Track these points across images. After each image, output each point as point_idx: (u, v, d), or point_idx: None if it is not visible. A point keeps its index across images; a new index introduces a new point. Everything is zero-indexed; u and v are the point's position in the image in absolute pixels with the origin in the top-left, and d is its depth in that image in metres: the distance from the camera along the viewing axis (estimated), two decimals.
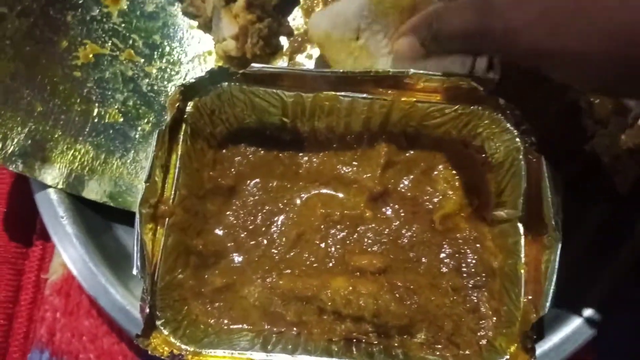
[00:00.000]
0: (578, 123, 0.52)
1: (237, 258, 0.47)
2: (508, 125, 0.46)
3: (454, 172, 0.49)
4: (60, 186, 0.47)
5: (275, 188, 0.50)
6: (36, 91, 0.48)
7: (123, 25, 0.52)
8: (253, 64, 0.45)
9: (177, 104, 0.44)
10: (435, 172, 0.49)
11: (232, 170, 0.49)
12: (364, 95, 0.46)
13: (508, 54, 0.40)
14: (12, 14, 0.47)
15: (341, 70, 0.45)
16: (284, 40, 0.56)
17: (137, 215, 0.41)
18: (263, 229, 0.48)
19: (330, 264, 0.47)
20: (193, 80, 0.45)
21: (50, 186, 0.48)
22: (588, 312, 0.49)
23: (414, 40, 0.45)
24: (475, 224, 0.48)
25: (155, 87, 0.52)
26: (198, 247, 0.46)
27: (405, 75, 0.45)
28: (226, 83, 0.46)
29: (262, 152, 0.50)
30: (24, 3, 0.48)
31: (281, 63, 0.55)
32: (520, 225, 0.44)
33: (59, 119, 0.48)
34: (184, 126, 0.45)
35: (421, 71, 0.45)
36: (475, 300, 0.46)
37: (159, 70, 0.53)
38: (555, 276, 0.41)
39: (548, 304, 0.41)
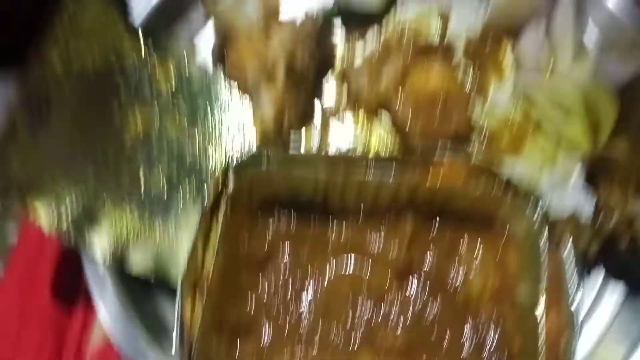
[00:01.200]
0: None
1: (268, 330, 0.50)
2: (529, 210, 0.48)
3: (478, 250, 0.51)
4: (107, 260, 0.50)
5: (305, 260, 0.52)
6: (90, 160, 0.52)
7: (171, 91, 0.56)
8: (291, 152, 0.48)
9: (219, 185, 0.47)
10: (460, 250, 0.51)
11: (266, 241, 0.52)
12: (392, 175, 0.49)
13: None
14: (72, 89, 0.51)
15: (370, 155, 0.48)
16: (317, 113, 0.59)
17: (179, 293, 0.44)
18: (293, 301, 0.51)
19: (356, 341, 0.49)
20: (235, 165, 0.48)
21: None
22: None
23: None
24: (497, 304, 0.49)
25: (197, 155, 0.55)
26: (232, 319, 0.49)
27: (430, 158, 0.48)
28: (265, 165, 0.49)
29: (294, 223, 0.53)
30: (83, 80, 0.52)
31: (315, 134, 0.58)
32: (540, 308, 0.46)
33: (109, 188, 0.52)
34: (224, 202, 0.48)
35: (445, 157, 0.48)
36: None
37: (202, 137, 0.56)
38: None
39: None
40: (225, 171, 0.48)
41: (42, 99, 0.50)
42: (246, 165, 0.49)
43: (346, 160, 0.49)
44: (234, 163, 0.48)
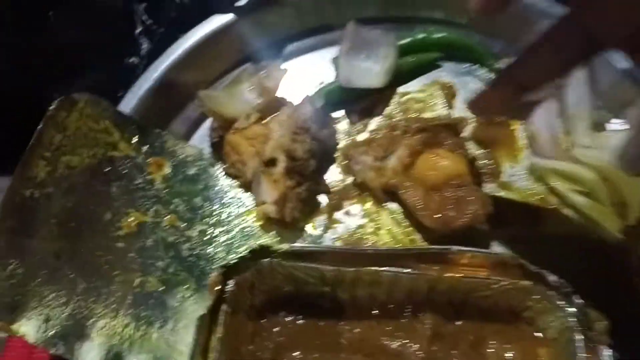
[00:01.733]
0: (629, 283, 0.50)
1: None
2: (559, 302, 0.44)
3: (504, 345, 0.47)
4: None
5: None
6: (79, 268, 0.48)
7: (165, 190, 0.53)
8: (294, 245, 0.45)
9: (219, 286, 0.44)
10: (485, 346, 0.47)
11: (271, 342, 0.48)
12: (407, 270, 0.45)
13: None
14: (58, 192, 0.48)
15: (383, 248, 0.45)
16: (322, 198, 0.56)
17: None
18: None
19: None
20: (234, 262, 0.45)
21: None
22: None
23: None
24: None
25: (196, 252, 0.52)
26: None
27: (448, 251, 0.45)
28: (266, 260, 0.46)
29: (301, 321, 0.49)
30: (70, 180, 0.49)
31: (320, 220, 0.55)
32: None
33: (100, 294, 0.48)
34: (224, 305, 0.45)
35: (465, 248, 0.44)
36: None
37: (200, 234, 0.53)
38: None
39: None
40: (224, 270, 0.44)
41: (26, 213, 0.47)
42: (246, 262, 0.45)
43: (355, 254, 0.45)
44: (233, 261, 0.45)
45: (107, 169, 0.51)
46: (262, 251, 0.45)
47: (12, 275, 0.45)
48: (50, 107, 0.50)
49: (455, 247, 0.44)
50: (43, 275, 0.46)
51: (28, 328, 0.45)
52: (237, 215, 0.55)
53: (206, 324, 0.43)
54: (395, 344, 0.48)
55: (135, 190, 0.52)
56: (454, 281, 0.45)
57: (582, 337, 0.42)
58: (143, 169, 0.53)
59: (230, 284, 0.45)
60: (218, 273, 0.44)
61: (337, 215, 0.56)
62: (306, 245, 0.47)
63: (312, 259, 0.46)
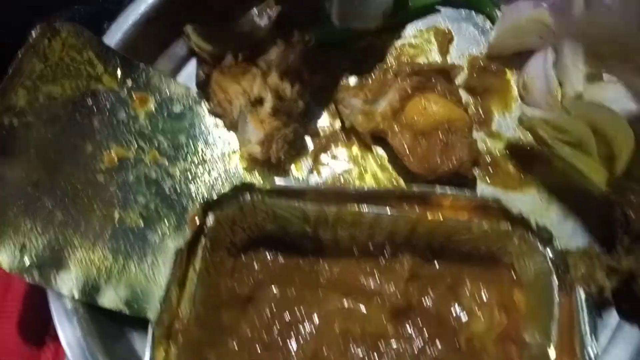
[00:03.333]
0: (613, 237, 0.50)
1: None
2: (539, 246, 0.44)
3: (481, 288, 0.47)
4: (76, 296, 0.46)
5: (294, 298, 0.48)
6: (58, 199, 0.48)
7: (149, 127, 0.52)
8: (276, 181, 0.44)
9: (198, 221, 0.43)
10: (462, 288, 0.47)
11: (251, 278, 0.48)
12: (388, 211, 0.45)
13: None
14: (39, 122, 0.47)
15: (365, 188, 0.44)
16: (308, 140, 0.55)
17: (150, 336, 0.40)
18: (280, 342, 0.46)
19: None
20: (215, 197, 0.44)
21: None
22: None
23: None
24: (503, 345, 0.45)
25: (178, 189, 0.52)
26: None
27: (431, 193, 0.44)
28: (248, 197, 0.45)
29: (282, 259, 0.49)
30: (52, 111, 0.48)
31: (305, 163, 0.55)
32: (551, 351, 0.41)
33: (79, 226, 0.48)
34: (203, 240, 0.45)
35: (448, 191, 0.44)
36: None
37: (183, 171, 0.52)
38: None
39: None
40: (204, 205, 0.44)
41: (4, 132, 0.46)
42: (228, 199, 0.45)
43: (338, 193, 0.45)
44: (215, 197, 0.44)
45: (89, 102, 0.50)
46: (245, 188, 0.45)
47: None
48: (31, 35, 0.48)
49: (438, 189, 0.44)
50: (20, 205, 0.46)
51: (3, 256, 0.44)
52: (222, 155, 0.54)
53: (183, 257, 0.43)
54: (373, 284, 0.48)
55: (118, 125, 0.51)
56: (435, 223, 0.45)
57: (557, 281, 0.43)
58: (127, 103, 0.52)
59: (210, 219, 0.45)
60: (198, 207, 0.44)
61: (323, 158, 0.55)
62: (289, 184, 0.46)
63: (295, 198, 0.45)
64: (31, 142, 0.47)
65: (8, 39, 0.49)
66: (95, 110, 0.51)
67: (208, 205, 0.44)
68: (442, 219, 0.44)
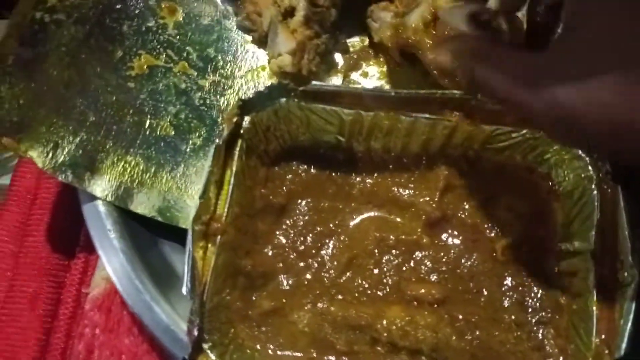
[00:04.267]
0: None
1: (287, 281, 0.45)
2: (580, 152, 0.43)
3: (517, 199, 0.46)
4: (109, 198, 0.46)
5: (327, 208, 0.48)
6: (89, 100, 0.47)
7: (178, 37, 0.51)
8: (314, 82, 0.43)
9: (235, 119, 0.43)
10: (498, 199, 0.47)
11: (284, 188, 0.47)
12: (427, 115, 0.44)
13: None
14: (69, 21, 0.46)
15: (405, 91, 0.44)
16: (338, 57, 0.54)
17: (190, 232, 0.39)
18: (313, 251, 0.46)
19: (385, 292, 0.44)
20: (251, 96, 0.43)
21: (98, 198, 0.46)
22: None
23: (449, 63, 0.42)
24: (540, 255, 0.45)
25: (208, 101, 0.51)
26: (247, 267, 0.44)
27: (472, 98, 0.44)
28: (284, 99, 0.44)
29: (314, 170, 0.48)
30: (81, 11, 0.47)
31: (335, 80, 0.54)
32: (591, 260, 0.41)
33: (110, 130, 0.47)
34: (239, 142, 0.44)
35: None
36: (541, 337, 0.43)
37: (212, 84, 0.51)
38: (632, 315, 0.38)
39: (624, 345, 0.38)
40: (240, 104, 0.43)
41: (36, 26, 0.45)
42: (264, 99, 0.44)
43: (376, 97, 0.44)
44: (251, 94, 0.44)
45: (118, 6, 0.49)
46: (280, 88, 0.44)
47: (20, 95, 0.43)
48: None
49: (479, 95, 0.43)
50: (52, 103, 0.45)
51: (36, 152, 0.44)
52: (251, 69, 0.53)
53: (221, 155, 0.42)
54: (407, 195, 0.47)
55: (147, 33, 0.50)
56: (473, 128, 0.44)
57: (598, 188, 0.42)
58: (155, 11, 0.51)
59: (247, 120, 0.44)
60: (235, 105, 0.43)
61: (354, 76, 0.54)
62: (326, 84, 0.45)
63: (330, 100, 0.44)
64: (62, 40, 0.46)
65: None
66: (124, 15, 0.50)
67: (244, 104, 0.43)
68: (480, 123, 0.44)
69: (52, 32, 0.46)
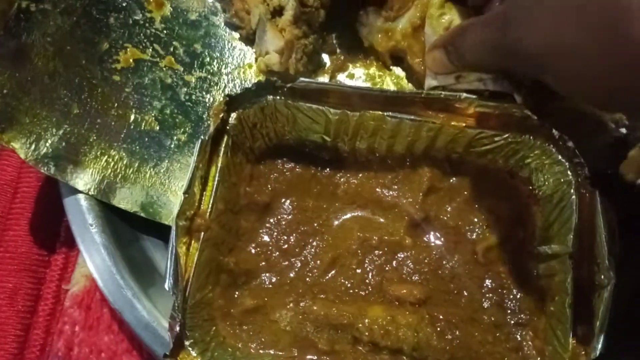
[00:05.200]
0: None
1: (269, 279, 0.45)
2: (560, 157, 0.44)
3: (498, 202, 0.47)
4: (91, 192, 0.45)
5: (311, 208, 0.48)
6: (74, 92, 0.46)
7: (165, 31, 0.51)
8: (301, 78, 0.43)
9: (221, 115, 0.43)
10: (479, 202, 0.47)
11: (268, 186, 0.47)
12: (412, 117, 0.45)
13: (518, 64, 0.39)
14: (55, 11, 0.46)
15: (390, 90, 0.44)
16: (325, 58, 0.55)
17: (173, 228, 0.39)
18: (297, 249, 0.46)
19: (367, 291, 0.45)
20: (239, 91, 0.43)
21: (80, 192, 0.46)
22: None
23: (442, 54, 0.44)
24: (519, 258, 0.46)
25: (194, 97, 0.51)
26: (230, 264, 0.44)
27: (457, 99, 0.44)
28: (271, 96, 0.45)
29: (299, 169, 0.48)
30: (68, 1, 0.47)
31: (322, 80, 0.54)
32: (569, 262, 0.42)
33: (94, 123, 0.47)
34: (225, 138, 0.44)
35: (474, 96, 0.44)
36: (519, 339, 0.43)
37: (198, 80, 0.51)
38: (607, 317, 0.39)
39: (599, 346, 0.39)
40: (227, 99, 0.43)
41: (21, 14, 0.45)
42: (250, 95, 0.44)
43: (363, 95, 0.44)
44: (238, 91, 0.44)
45: (105, 3, 0.49)
46: (268, 85, 0.44)
47: (4, 85, 0.43)
48: None
49: (464, 95, 0.44)
50: (36, 93, 0.45)
51: (18, 144, 0.43)
52: (237, 66, 0.53)
53: (207, 150, 0.42)
54: (390, 196, 0.48)
55: (134, 26, 0.50)
56: (457, 130, 0.45)
57: (576, 192, 0.43)
58: (143, 5, 0.51)
59: (233, 117, 0.44)
60: (222, 101, 0.43)
61: (340, 77, 0.55)
62: (314, 80, 0.45)
63: (317, 99, 0.45)
64: (48, 30, 0.46)
65: None
66: (111, 7, 0.49)
67: (231, 101, 0.43)
68: (464, 126, 0.44)
69: (38, 22, 0.45)
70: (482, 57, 0.41)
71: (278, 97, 0.45)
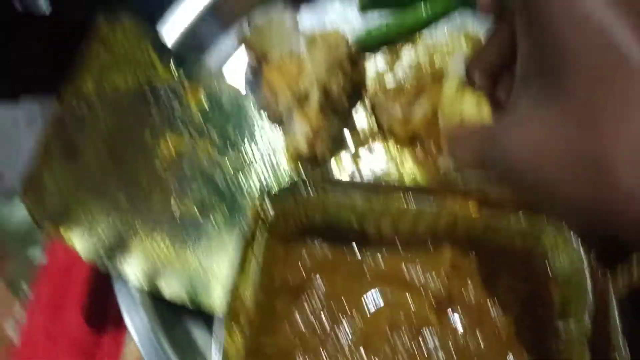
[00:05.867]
0: None
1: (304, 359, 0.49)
2: (572, 239, 0.47)
3: (517, 281, 0.50)
4: (141, 281, 0.49)
5: (340, 287, 0.51)
6: (121, 183, 0.51)
7: (201, 118, 0.55)
8: (331, 179, 0.47)
9: (258, 215, 0.46)
10: (499, 280, 0.51)
11: (300, 267, 0.51)
12: (431, 204, 0.48)
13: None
14: (104, 112, 0.50)
15: (411, 185, 0.48)
16: (346, 133, 0.58)
17: (218, 323, 0.43)
18: (329, 330, 0.49)
19: None
20: (276, 191, 0.47)
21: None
22: None
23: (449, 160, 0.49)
24: (539, 335, 0.49)
25: (228, 179, 0.54)
26: (267, 348, 0.47)
27: (474, 189, 0.47)
28: (304, 190, 0.48)
29: (328, 249, 0.52)
30: (115, 100, 0.51)
31: (344, 155, 0.58)
32: (585, 340, 0.45)
33: (140, 211, 0.50)
34: (260, 230, 0.47)
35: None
36: None
37: (232, 162, 0.55)
38: None
39: None
40: (262, 201, 0.47)
41: (75, 125, 0.49)
42: (284, 194, 0.48)
43: (384, 189, 0.48)
44: (272, 192, 0.47)
45: (147, 92, 0.53)
46: (298, 185, 0.48)
47: (61, 181, 0.47)
48: (98, 24, 0.50)
49: (478, 186, 0.47)
50: (89, 190, 0.48)
51: (76, 238, 0.47)
52: (268, 148, 0.56)
53: (248, 246, 0.46)
54: (414, 275, 0.51)
55: (173, 115, 0.54)
56: (476, 215, 0.48)
57: (590, 273, 0.46)
58: (180, 94, 0.55)
59: (269, 216, 0.48)
60: (261, 200, 0.46)
61: (361, 152, 0.58)
62: (339, 180, 0.49)
63: (343, 194, 0.48)
64: (98, 131, 0.49)
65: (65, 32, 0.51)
66: (152, 100, 0.53)
67: (269, 198, 0.47)
68: (483, 211, 0.48)
69: (90, 122, 0.49)
70: (473, 165, 0.44)
71: (310, 191, 0.48)
